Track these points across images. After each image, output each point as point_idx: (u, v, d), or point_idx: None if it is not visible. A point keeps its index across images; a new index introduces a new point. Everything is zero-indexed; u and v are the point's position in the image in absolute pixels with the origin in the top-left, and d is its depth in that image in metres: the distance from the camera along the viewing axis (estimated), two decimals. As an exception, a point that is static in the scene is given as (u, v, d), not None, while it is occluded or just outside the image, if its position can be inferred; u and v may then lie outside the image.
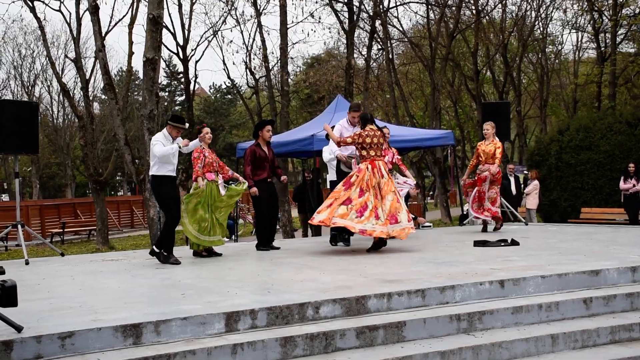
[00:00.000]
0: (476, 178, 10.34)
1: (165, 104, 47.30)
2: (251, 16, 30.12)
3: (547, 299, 5.27)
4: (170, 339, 4.23)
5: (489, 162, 10.14)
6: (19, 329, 3.99)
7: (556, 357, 4.71)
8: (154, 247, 7.72)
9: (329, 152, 9.29)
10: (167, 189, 7.54)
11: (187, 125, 7.84)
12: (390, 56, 26.36)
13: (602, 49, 25.28)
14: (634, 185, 14.26)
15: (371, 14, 23.02)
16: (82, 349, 3.99)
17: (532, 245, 8.26)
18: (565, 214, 17.16)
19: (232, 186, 8.37)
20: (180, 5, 25.38)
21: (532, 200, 15.94)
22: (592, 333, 4.96)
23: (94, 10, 16.73)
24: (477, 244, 8.41)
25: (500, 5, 26.27)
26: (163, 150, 7.34)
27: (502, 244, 8.27)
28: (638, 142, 16.30)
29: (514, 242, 8.28)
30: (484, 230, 10.52)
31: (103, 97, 38.93)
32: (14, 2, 28.32)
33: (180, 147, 7.57)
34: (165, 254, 7.56)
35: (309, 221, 8.58)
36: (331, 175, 9.50)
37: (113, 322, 4.18)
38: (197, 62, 34.11)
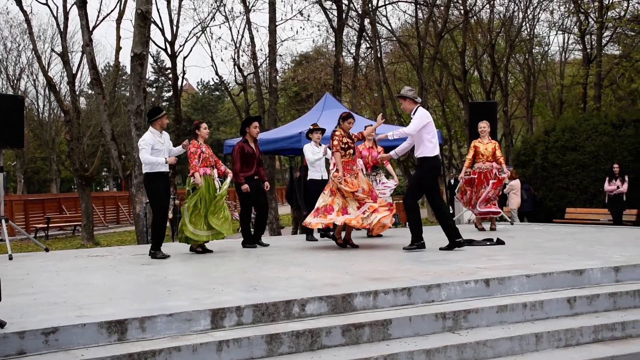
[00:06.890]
0: (475, 176, 10.46)
1: (153, 99, 47.02)
2: (240, 13, 30.08)
3: (532, 298, 5.30)
4: (155, 335, 4.21)
5: (490, 160, 10.41)
6: (2, 324, 3.95)
7: (540, 355, 4.74)
8: (150, 250, 7.87)
9: (312, 153, 9.36)
10: (159, 186, 7.74)
11: (163, 111, 8.01)
12: (379, 55, 26.39)
13: (588, 50, 25.43)
14: (617, 187, 14.39)
15: (360, 12, 23.05)
16: (66, 345, 3.96)
17: (518, 244, 8.31)
18: (550, 213, 17.28)
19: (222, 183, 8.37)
20: (168, 1, 25.24)
21: (512, 200, 16.05)
22: (576, 332, 5.00)
23: (82, 4, 16.57)
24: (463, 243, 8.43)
25: (488, 6, 26.41)
26: (149, 159, 7.63)
27: (488, 243, 8.31)
28: (622, 144, 16.45)
29: (500, 242, 8.33)
30: (493, 229, 10.72)
31: (90, 92, 38.64)
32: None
33: (166, 161, 7.77)
34: (153, 250, 7.73)
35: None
36: (312, 174, 9.51)
37: (98, 318, 4.15)
38: (185, 58, 33.87)
